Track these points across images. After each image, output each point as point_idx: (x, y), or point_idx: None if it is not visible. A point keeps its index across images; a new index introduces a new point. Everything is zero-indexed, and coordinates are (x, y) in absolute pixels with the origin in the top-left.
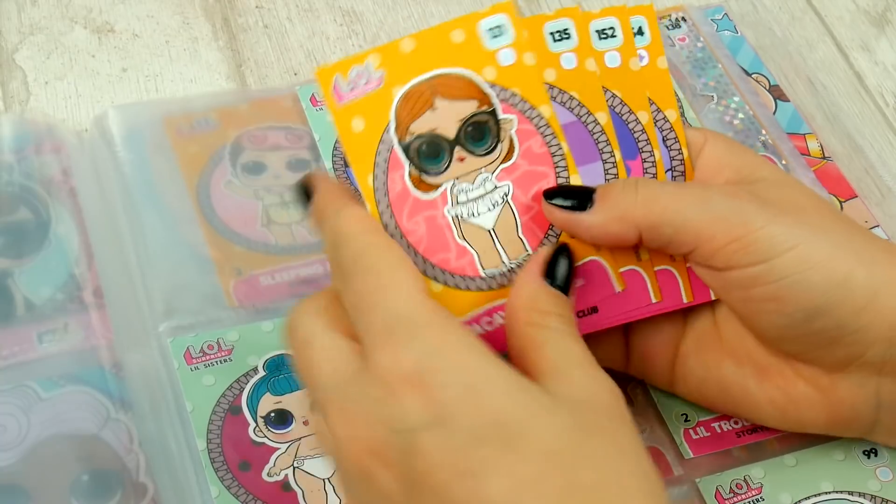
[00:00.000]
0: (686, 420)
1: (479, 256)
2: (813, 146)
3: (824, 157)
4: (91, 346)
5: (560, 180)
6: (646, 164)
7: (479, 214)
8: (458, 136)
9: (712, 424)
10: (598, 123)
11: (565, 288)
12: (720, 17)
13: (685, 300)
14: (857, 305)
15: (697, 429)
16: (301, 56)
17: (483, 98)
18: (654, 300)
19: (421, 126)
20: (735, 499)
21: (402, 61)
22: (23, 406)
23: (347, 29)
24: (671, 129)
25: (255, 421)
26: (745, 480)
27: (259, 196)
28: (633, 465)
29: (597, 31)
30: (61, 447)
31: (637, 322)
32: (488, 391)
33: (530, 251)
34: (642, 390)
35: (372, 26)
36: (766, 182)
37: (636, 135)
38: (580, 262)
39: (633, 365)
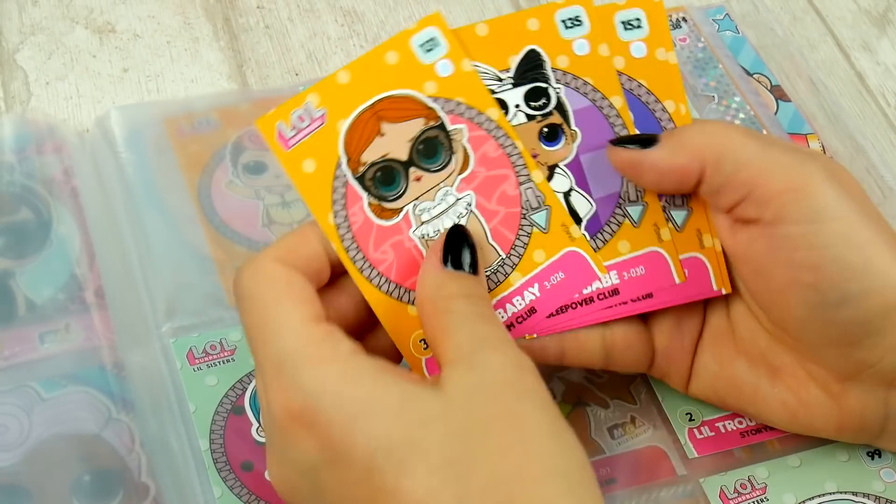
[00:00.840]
0: (690, 419)
1: None
2: (814, 146)
3: None
4: (93, 346)
5: (521, 178)
6: None
7: (444, 230)
8: (410, 156)
9: (717, 424)
10: (614, 107)
11: (470, 267)
12: (721, 18)
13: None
14: (887, 304)
15: (702, 428)
16: (302, 56)
17: (429, 113)
18: (715, 288)
19: (372, 154)
20: (739, 499)
21: (342, 94)
22: (24, 406)
23: (348, 29)
24: (670, 119)
25: (258, 421)
26: (749, 480)
27: (260, 196)
28: (538, 448)
29: (622, 22)
30: (63, 447)
31: (662, 320)
32: (374, 418)
33: (503, 255)
34: (646, 389)
35: (373, 26)
36: (819, 156)
37: (663, 124)
38: (641, 252)
39: (656, 366)
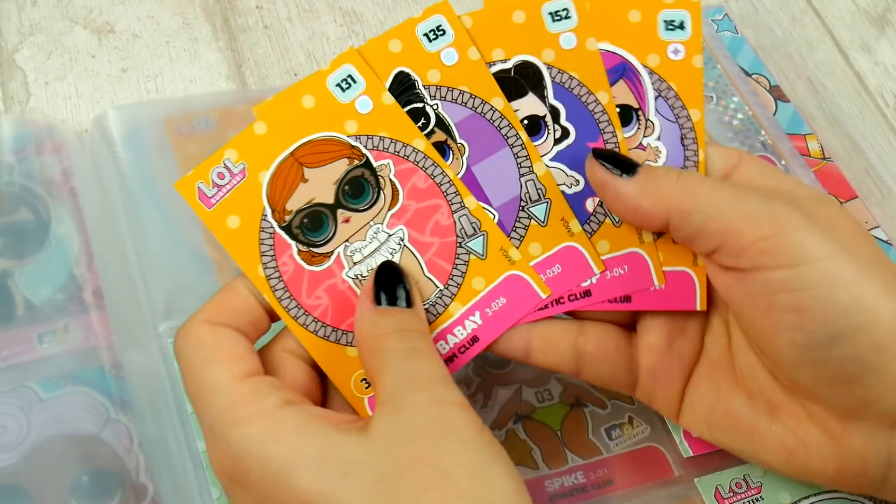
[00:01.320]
0: None
1: None
2: (813, 147)
3: (824, 158)
4: (91, 346)
5: (454, 206)
6: (608, 145)
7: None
8: (336, 198)
9: None
10: (496, 109)
11: (404, 301)
12: (720, 18)
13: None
14: (880, 341)
15: None
16: (301, 56)
17: (352, 153)
18: (698, 307)
19: (297, 202)
20: (734, 498)
21: (260, 145)
22: (23, 406)
23: (347, 29)
24: (692, 128)
25: None
26: (744, 480)
27: None
28: (456, 485)
29: (549, 14)
30: (61, 448)
31: (651, 344)
32: (295, 473)
33: (441, 286)
34: None
35: (372, 27)
36: (804, 198)
37: (596, 115)
38: (623, 252)
39: (641, 388)
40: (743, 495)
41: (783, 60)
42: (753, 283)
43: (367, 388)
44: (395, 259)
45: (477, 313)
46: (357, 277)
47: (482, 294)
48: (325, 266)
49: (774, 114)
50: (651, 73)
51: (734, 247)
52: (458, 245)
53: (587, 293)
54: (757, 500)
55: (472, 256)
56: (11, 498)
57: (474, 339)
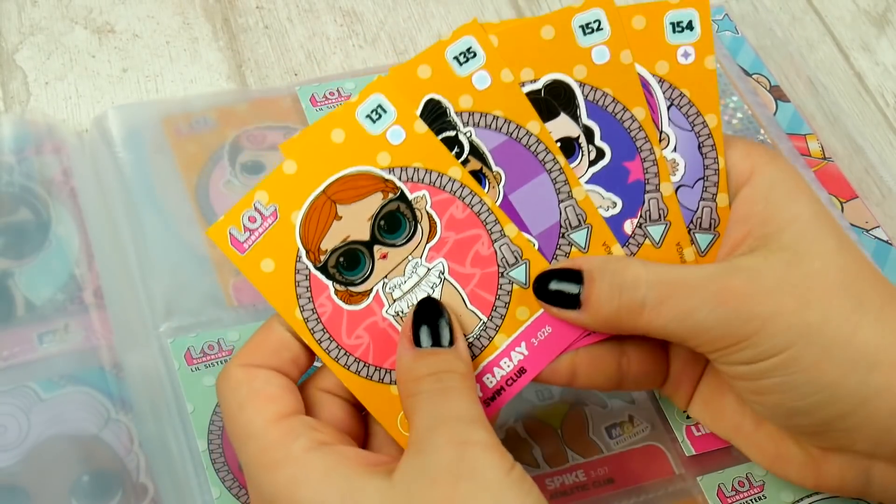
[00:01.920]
0: (688, 417)
1: None
2: (813, 147)
3: (825, 158)
4: (91, 346)
5: (494, 235)
6: (646, 164)
7: (411, 307)
8: (372, 235)
9: None
10: (532, 134)
11: (442, 340)
12: (721, 18)
13: None
14: (844, 410)
15: (699, 426)
16: (301, 56)
17: (386, 186)
18: None
19: (332, 240)
20: (737, 497)
21: (290, 185)
22: (23, 407)
23: (348, 29)
24: (709, 135)
25: None
26: (746, 478)
27: None
28: None
29: (580, 27)
30: (61, 448)
31: (680, 349)
32: None
33: (484, 319)
34: None
35: (372, 27)
36: (782, 247)
37: (632, 133)
38: None
39: (664, 387)
40: (745, 494)
41: (783, 60)
42: (719, 375)
43: None
44: (436, 293)
45: (523, 344)
46: (398, 315)
47: (527, 324)
48: (364, 305)
49: (775, 114)
50: (661, 81)
51: (704, 350)
52: (499, 275)
53: None
54: (759, 498)
55: (515, 286)
56: (11, 498)
57: (521, 371)
